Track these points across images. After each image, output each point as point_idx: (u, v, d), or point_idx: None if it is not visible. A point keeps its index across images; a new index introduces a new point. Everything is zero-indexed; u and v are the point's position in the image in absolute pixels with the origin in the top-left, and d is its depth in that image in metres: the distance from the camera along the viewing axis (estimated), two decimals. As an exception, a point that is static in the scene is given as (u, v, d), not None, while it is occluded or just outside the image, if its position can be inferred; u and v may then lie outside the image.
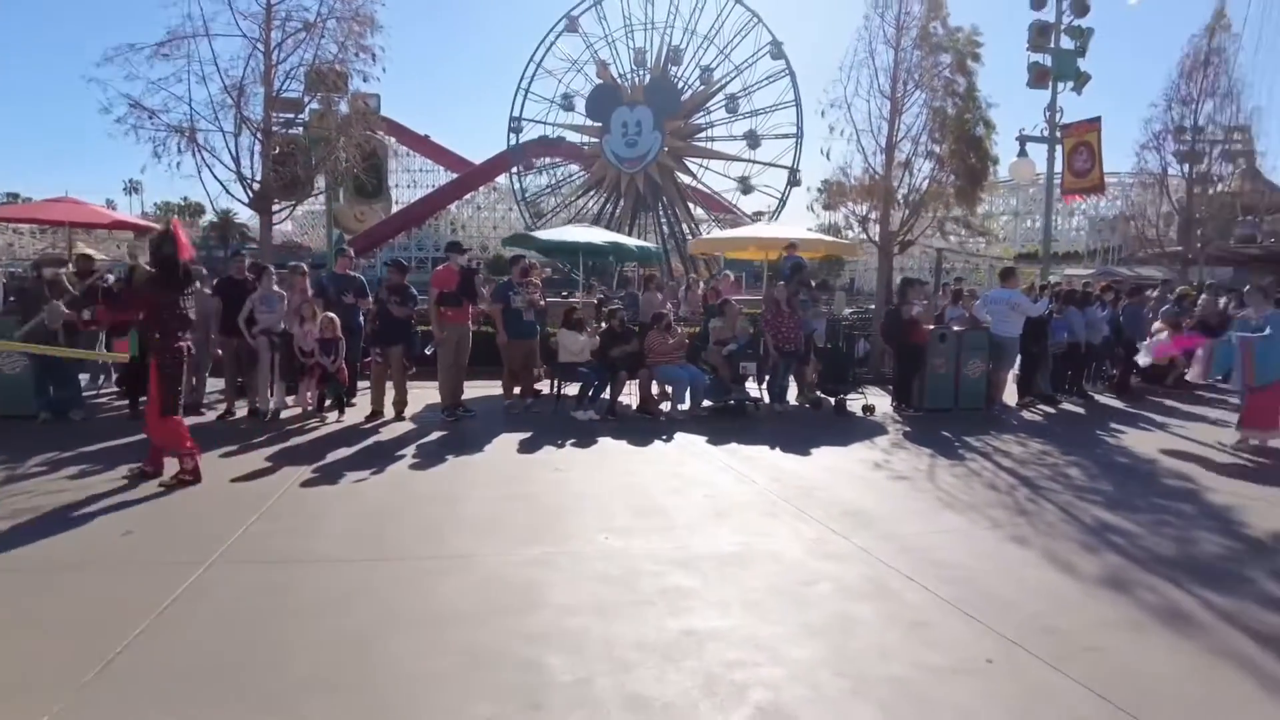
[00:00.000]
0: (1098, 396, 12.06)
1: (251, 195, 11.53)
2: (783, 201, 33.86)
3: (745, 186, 35.35)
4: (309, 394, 9.12)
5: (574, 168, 41.61)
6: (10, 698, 3.10)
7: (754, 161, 35.45)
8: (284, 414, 9.07)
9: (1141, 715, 3.15)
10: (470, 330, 9.36)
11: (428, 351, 9.57)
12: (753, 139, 34.97)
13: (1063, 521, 5.79)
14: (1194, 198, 18.97)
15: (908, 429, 9.30)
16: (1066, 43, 13.04)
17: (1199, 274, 20.34)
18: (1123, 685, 3.40)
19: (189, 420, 8.74)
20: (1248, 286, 9.74)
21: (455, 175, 53.78)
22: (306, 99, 11.85)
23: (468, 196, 60.58)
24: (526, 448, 7.84)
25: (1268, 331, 8.09)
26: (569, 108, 39.02)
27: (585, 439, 8.20)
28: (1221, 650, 3.77)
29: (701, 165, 37.92)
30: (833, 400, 10.42)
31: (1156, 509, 6.21)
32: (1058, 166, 14.17)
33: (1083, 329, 11.70)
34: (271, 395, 9.04)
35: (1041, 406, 11.01)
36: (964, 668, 3.55)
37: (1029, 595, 4.40)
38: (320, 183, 13.02)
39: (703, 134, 37.32)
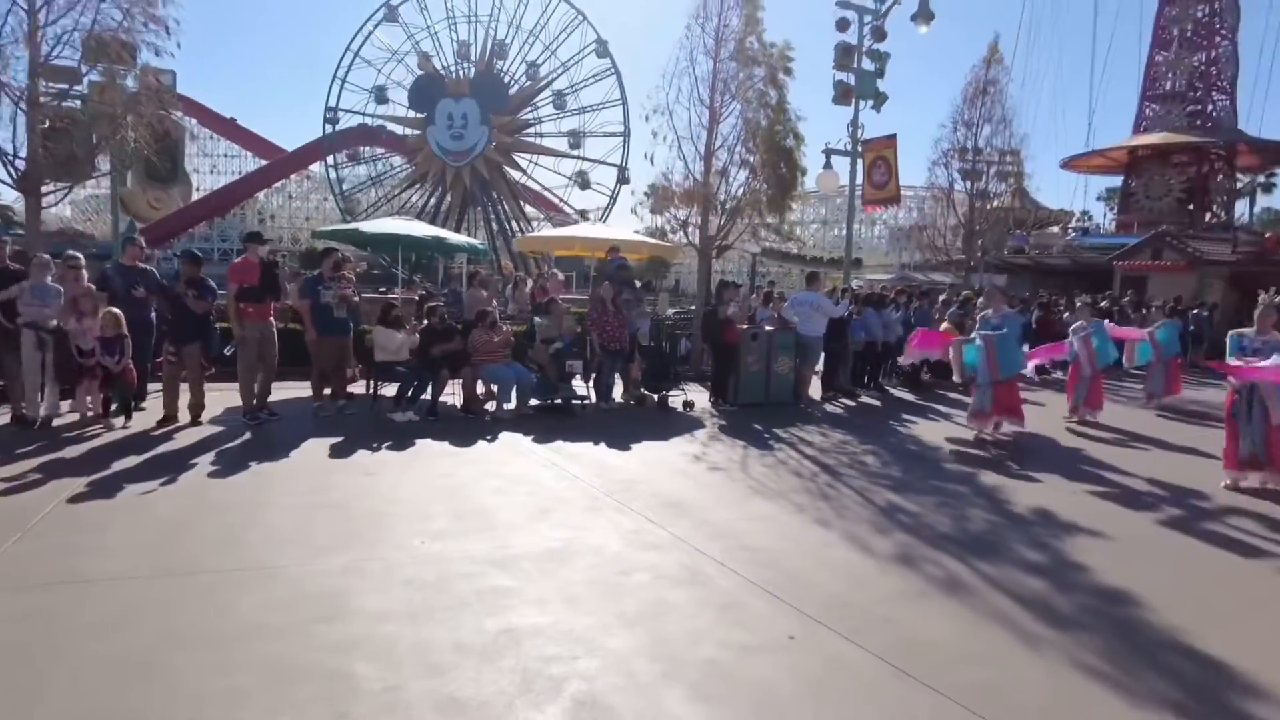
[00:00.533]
0: (893, 390, 13.18)
1: (15, 174, 10.15)
2: (613, 199, 34.23)
3: (583, 181, 35.31)
4: (88, 398, 8.18)
5: (397, 160, 39.99)
6: None
7: (583, 158, 35.56)
8: (57, 421, 8.09)
9: (924, 677, 3.47)
10: (274, 327, 8.72)
11: (227, 351, 8.85)
12: (575, 138, 35.03)
13: (860, 505, 6.28)
14: (974, 212, 21.19)
15: (724, 423, 9.73)
16: (868, 64, 14.15)
17: (980, 280, 22.77)
18: (911, 651, 3.73)
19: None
20: (989, 287, 10.94)
21: (264, 162, 50.22)
22: (84, 69, 10.60)
23: (278, 184, 56.71)
24: (338, 452, 7.43)
25: (1004, 330, 9.07)
26: (383, 100, 37.38)
27: (403, 441, 7.90)
28: (989, 611, 4.24)
29: (532, 161, 37.60)
30: (655, 397, 10.71)
31: (939, 490, 6.88)
32: (859, 179, 15.34)
33: (879, 329, 12.77)
34: (42, 400, 8.03)
35: (843, 400, 11.88)
36: (769, 645, 3.76)
37: (829, 574, 4.73)
38: (104, 164, 11.68)
39: (531, 130, 37.02)
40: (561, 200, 37.25)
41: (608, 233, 15.00)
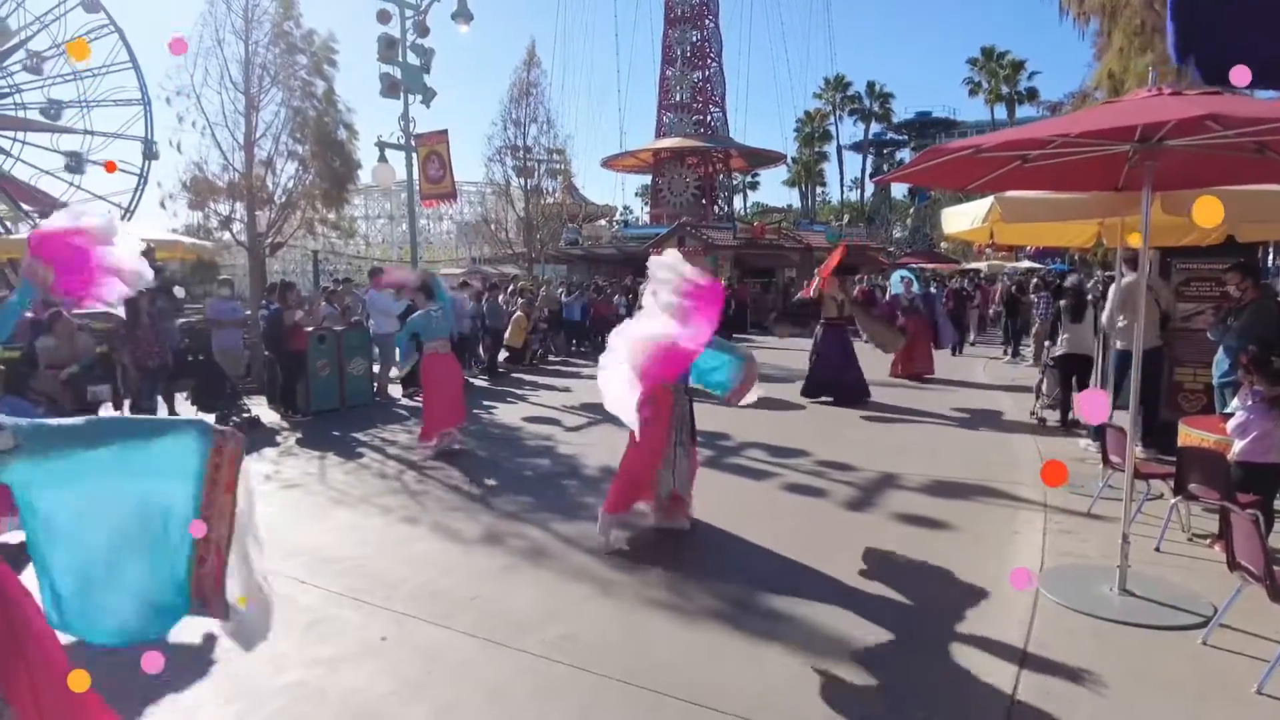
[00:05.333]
0: (472, 380, 13.53)
1: None
2: (143, 178, 28.38)
3: (75, 164, 28.63)
4: None
5: None
6: None
7: (93, 133, 29.09)
8: None
9: (511, 642, 3.67)
10: None
11: None
12: (54, 108, 28.47)
13: (448, 494, 6.36)
14: (530, 207, 22.58)
15: (299, 435, 9.05)
16: (413, 59, 14.11)
17: (543, 271, 24.41)
18: (499, 621, 3.91)
19: None
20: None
21: None
22: None
23: None
24: None
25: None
26: None
27: None
28: (569, 571, 4.63)
29: (16, 140, 29.89)
30: (213, 419, 9.52)
31: (524, 466, 7.28)
32: (416, 173, 15.31)
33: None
34: None
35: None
36: (359, 652, 3.64)
37: (417, 567, 4.72)
38: None
39: (8, 99, 29.42)
40: (51, 195, 30.33)
41: (138, 230, 12.81)
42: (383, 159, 14.05)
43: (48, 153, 29.36)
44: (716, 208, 42.86)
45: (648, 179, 48.79)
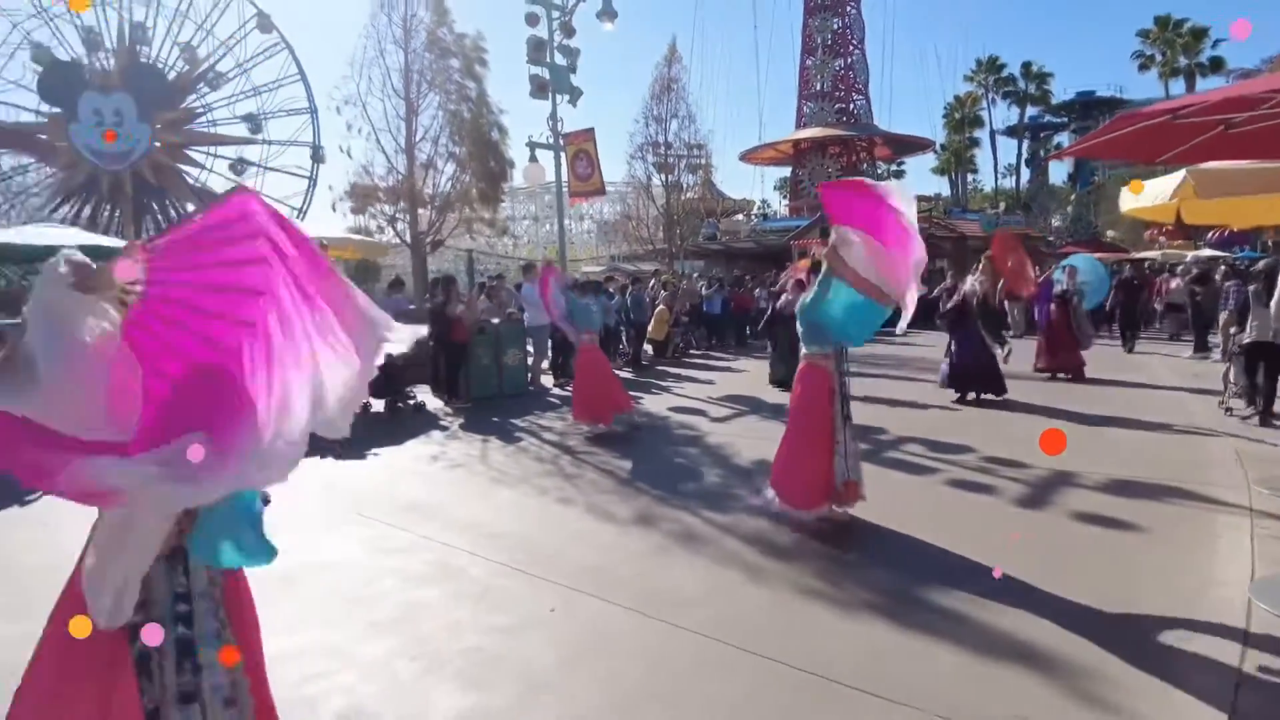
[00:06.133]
0: (617, 372, 13.79)
1: None
2: (313, 181, 30.99)
3: (238, 167, 31.55)
4: None
5: (27, 160, 33.45)
6: None
7: (270, 142, 32.04)
8: None
9: (669, 618, 3.71)
10: None
11: None
12: (254, 122, 31.49)
13: (601, 478, 6.51)
14: (671, 203, 22.77)
15: (461, 420, 9.55)
16: (560, 59, 14.55)
17: (683, 266, 24.56)
18: (659, 598, 3.97)
19: None
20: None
21: None
22: None
23: None
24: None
25: None
26: None
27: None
28: (721, 556, 4.63)
29: (210, 154, 33.29)
30: (383, 403, 10.19)
31: (674, 454, 7.35)
32: (565, 172, 15.78)
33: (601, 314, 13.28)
34: None
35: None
36: (530, 621, 3.78)
37: (575, 545, 4.86)
38: None
39: (203, 118, 32.76)
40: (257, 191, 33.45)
41: (312, 230, 13.91)
42: (533, 159, 14.53)
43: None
44: (860, 198, 41.56)
45: (786, 171, 48.00)
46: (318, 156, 30.46)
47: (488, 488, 6.40)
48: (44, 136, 31.00)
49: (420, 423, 9.47)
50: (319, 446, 2.08)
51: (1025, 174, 56.33)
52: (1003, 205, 48.93)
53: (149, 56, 31.54)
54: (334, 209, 13.04)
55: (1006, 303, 12.49)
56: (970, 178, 62.10)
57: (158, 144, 30.97)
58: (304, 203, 29.50)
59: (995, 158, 58.76)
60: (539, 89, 14.19)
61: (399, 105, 11.96)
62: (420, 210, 12.32)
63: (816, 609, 3.88)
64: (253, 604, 2.31)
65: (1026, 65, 54.73)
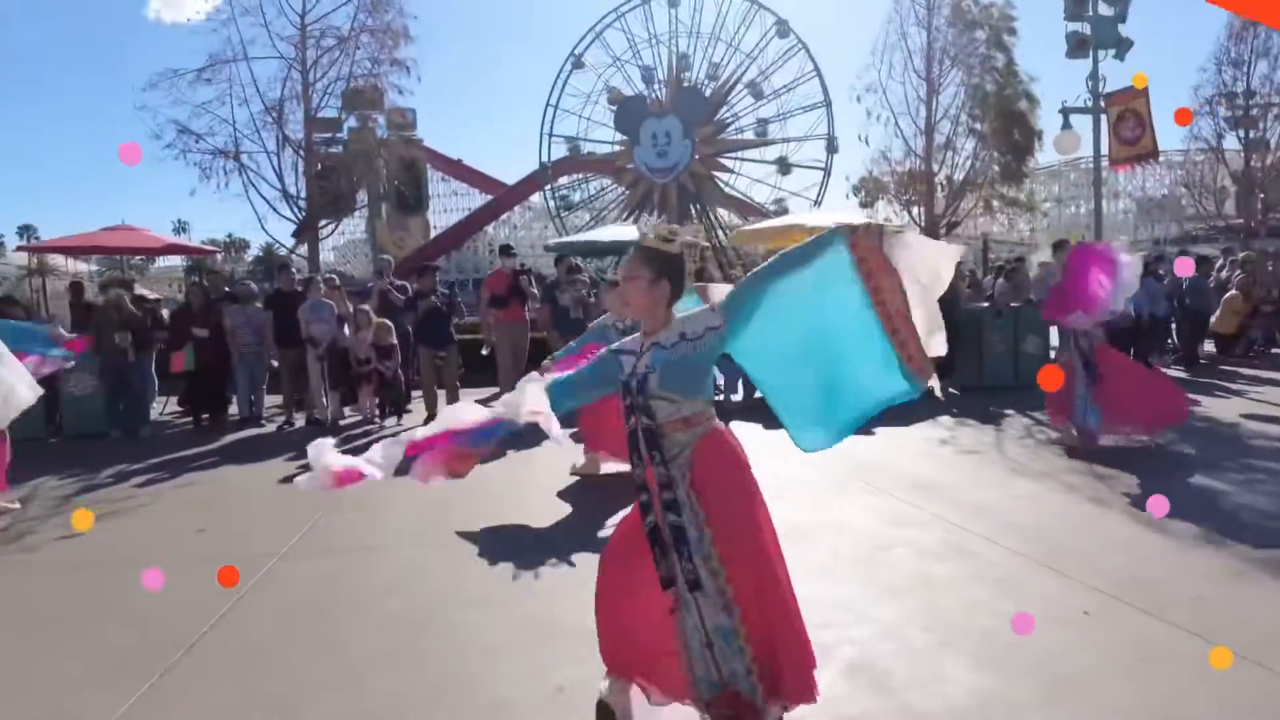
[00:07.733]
0: (1164, 370, 11.64)
1: (298, 211, 11.77)
2: (827, 172, 32.81)
3: (784, 166, 34.71)
4: (369, 401, 9.22)
5: (605, 181, 41.68)
6: (104, 678, 3.16)
7: (788, 140, 34.84)
8: (343, 422, 9.19)
9: (1248, 653, 2.99)
10: (526, 325, 9.45)
11: (484, 352, 9.71)
12: (762, 125, 34.35)
13: (1146, 484, 5.56)
14: (1250, 166, 18.32)
15: (967, 405, 9.04)
16: (1105, 9, 12.70)
17: (1261, 246, 19.61)
18: (1230, 628, 3.23)
19: (250, 432, 8.98)
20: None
21: (490, 197, 54.32)
22: (344, 116, 12.12)
23: (504, 217, 61.15)
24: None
25: None
26: (576, 154, 39.11)
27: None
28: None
29: (737, 159, 37.48)
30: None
31: (1247, 469, 5.95)
32: (1104, 140, 13.77)
33: (1147, 301, 11.30)
34: (327, 404, 9.16)
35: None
36: (1056, 619, 3.40)
37: (1111, 550, 4.24)
38: (362, 199, 13.27)
39: (731, 127, 36.96)
40: (762, 206, 36.70)
41: (826, 219, 14.58)
42: (1066, 126, 13.01)
43: (756, 164, 35.95)
44: None
45: None
46: (832, 147, 32.16)
47: (1004, 477, 5.97)
48: (617, 162, 38.35)
49: (923, 406, 9.22)
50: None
51: None
52: None
53: (691, 81, 36.68)
54: (848, 198, 13.53)
55: None
56: None
57: (696, 156, 35.74)
58: (819, 194, 31.28)
59: None
60: (1077, 46, 12.59)
61: (919, 86, 11.77)
62: (934, 194, 11.99)
63: None
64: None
65: None
